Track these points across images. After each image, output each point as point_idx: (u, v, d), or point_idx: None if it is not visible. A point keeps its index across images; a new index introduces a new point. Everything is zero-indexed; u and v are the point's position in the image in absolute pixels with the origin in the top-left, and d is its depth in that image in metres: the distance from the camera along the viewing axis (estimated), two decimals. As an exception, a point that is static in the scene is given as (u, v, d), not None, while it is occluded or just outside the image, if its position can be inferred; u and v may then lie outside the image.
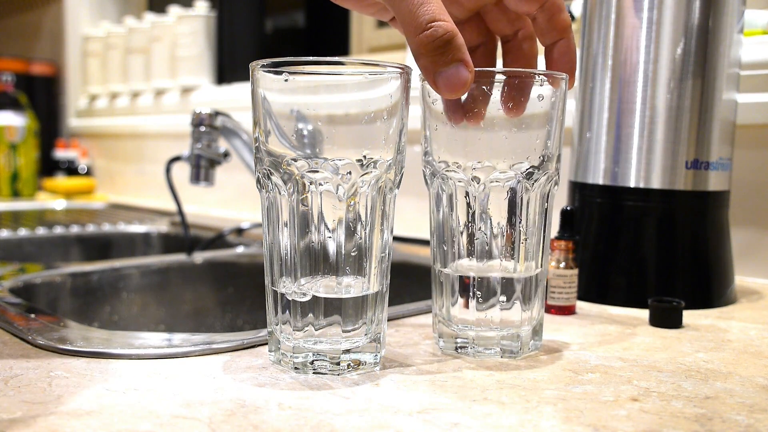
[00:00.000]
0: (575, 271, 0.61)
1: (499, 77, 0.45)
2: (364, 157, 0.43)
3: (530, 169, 0.46)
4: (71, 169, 2.02)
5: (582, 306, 0.65)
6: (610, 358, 0.48)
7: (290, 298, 0.43)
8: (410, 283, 0.86)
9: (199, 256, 0.92)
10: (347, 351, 0.44)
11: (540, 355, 0.49)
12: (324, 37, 1.65)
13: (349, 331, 0.44)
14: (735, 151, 0.70)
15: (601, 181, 0.67)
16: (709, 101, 0.65)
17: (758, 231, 0.79)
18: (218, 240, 1.05)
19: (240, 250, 0.99)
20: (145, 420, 0.36)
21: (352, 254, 0.43)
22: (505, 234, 0.47)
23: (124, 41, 1.85)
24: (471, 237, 0.47)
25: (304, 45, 1.69)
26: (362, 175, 0.43)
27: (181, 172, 1.09)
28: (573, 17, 0.99)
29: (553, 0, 0.47)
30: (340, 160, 0.42)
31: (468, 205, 0.47)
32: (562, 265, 0.61)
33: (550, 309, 0.61)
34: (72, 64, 2.12)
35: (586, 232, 0.69)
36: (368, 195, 0.44)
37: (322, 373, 0.43)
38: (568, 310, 0.61)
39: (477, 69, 0.44)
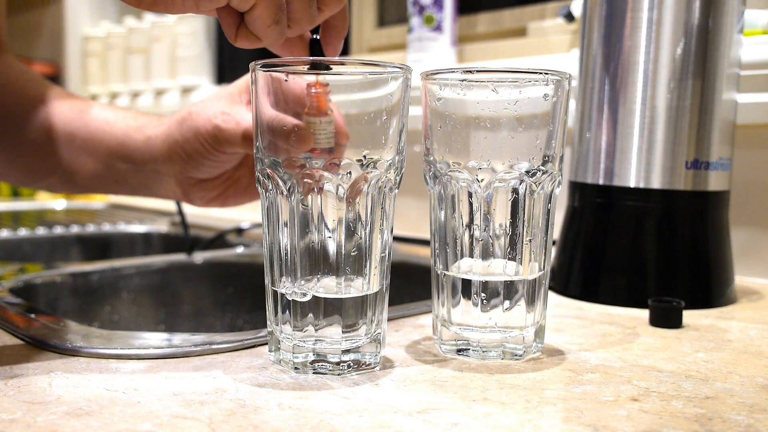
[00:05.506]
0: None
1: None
2: (364, 157, 0.43)
3: (533, 170, 0.46)
4: (71, 169, 2.01)
5: (582, 306, 0.65)
6: (610, 358, 0.48)
7: (290, 298, 0.43)
8: (410, 283, 0.86)
9: (199, 256, 0.92)
10: (347, 351, 0.44)
11: (540, 355, 0.49)
12: (324, 37, 1.65)
13: (349, 331, 0.44)
14: (735, 151, 0.69)
15: (601, 181, 0.67)
16: (709, 101, 0.65)
17: (758, 231, 0.79)
18: (218, 240, 1.05)
19: (240, 250, 0.99)
20: (145, 420, 0.36)
21: (352, 254, 0.43)
22: (508, 235, 0.47)
23: (124, 41, 1.85)
24: (473, 238, 0.47)
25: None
26: (362, 175, 0.43)
27: (181, 172, 1.09)
28: (573, 17, 0.99)
29: None
30: (340, 160, 0.42)
31: (470, 205, 0.47)
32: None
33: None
34: (72, 64, 2.11)
35: (586, 232, 0.69)
36: (368, 195, 0.44)
37: (322, 373, 0.43)
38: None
39: None
